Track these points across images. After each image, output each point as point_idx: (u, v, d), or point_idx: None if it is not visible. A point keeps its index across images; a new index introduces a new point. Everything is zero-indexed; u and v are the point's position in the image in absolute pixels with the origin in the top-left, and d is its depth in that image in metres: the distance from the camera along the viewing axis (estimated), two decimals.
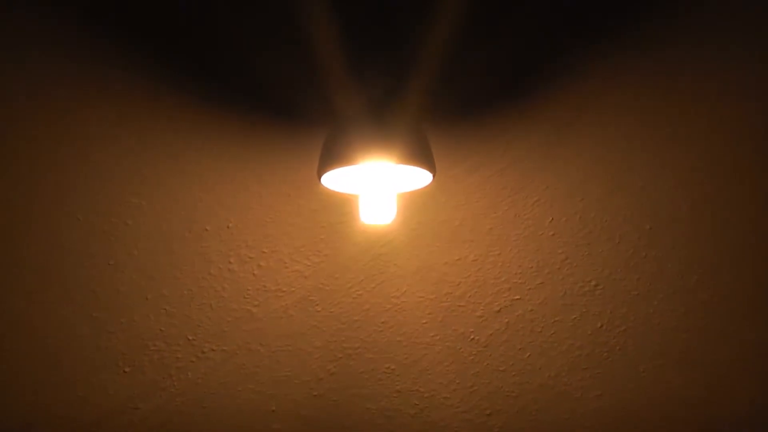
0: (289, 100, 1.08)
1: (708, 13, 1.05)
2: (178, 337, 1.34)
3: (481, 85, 1.11)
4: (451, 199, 1.28)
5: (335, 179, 1.08)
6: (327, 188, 1.08)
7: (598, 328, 1.36)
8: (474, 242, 1.32)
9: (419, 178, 1.09)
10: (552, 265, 1.34)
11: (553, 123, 1.17)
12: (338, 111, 1.05)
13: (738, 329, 1.37)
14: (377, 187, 1.09)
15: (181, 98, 1.10)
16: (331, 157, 1.03)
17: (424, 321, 1.41)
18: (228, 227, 1.27)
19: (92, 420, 1.36)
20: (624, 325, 1.33)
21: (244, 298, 1.35)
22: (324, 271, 1.35)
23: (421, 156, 1.03)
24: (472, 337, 1.40)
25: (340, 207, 1.27)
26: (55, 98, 1.07)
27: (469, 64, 1.07)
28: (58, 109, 1.08)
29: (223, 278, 1.33)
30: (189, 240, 1.27)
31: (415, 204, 1.29)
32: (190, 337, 1.34)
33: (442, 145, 1.18)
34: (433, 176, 1.06)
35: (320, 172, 1.05)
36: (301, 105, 1.09)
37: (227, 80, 1.06)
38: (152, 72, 1.05)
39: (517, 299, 1.37)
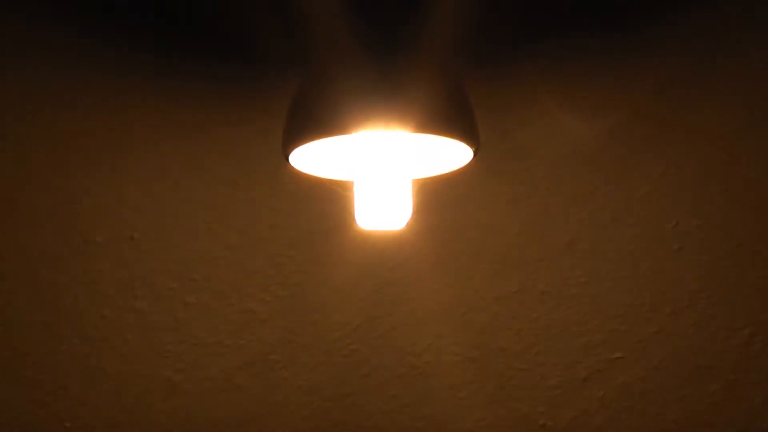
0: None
1: None
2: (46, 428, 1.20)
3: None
4: (502, 191, 1.12)
5: (314, 159, 0.95)
6: (300, 173, 0.95)
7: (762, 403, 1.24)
8: (542, 263, 1.16)
9: (450, 157, 0.96)
10: (677, 300, 1.15)
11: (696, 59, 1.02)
12: (318, 49, 0.90)
13: None
14: (382, 171, 0.94)
15: None
16: (306, 124, 0.88)
17: (462, 395, 1.22)
18: (132, 238, 1.10)
19: None
20: None
21: (159, 357, 1.17)
22: (294, 312, 1.19)
23: (454, 121, 0.88)
24: (542, 422, 1.25)
25: (323, 204, 1.11)
26: None
27: None
28: None
29: (123, 324, 1.18)
30: (66, 259, 1.12)
31: (443, 199, 1.13)
32: (67, 426, 1.18)
33: (490, 107, 1.03)
34: (475, 153, 0.90)
35: (288, 146, 0.89)
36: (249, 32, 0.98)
37: None
38: None
39: (619, 359, 1.20)
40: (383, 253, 1.19)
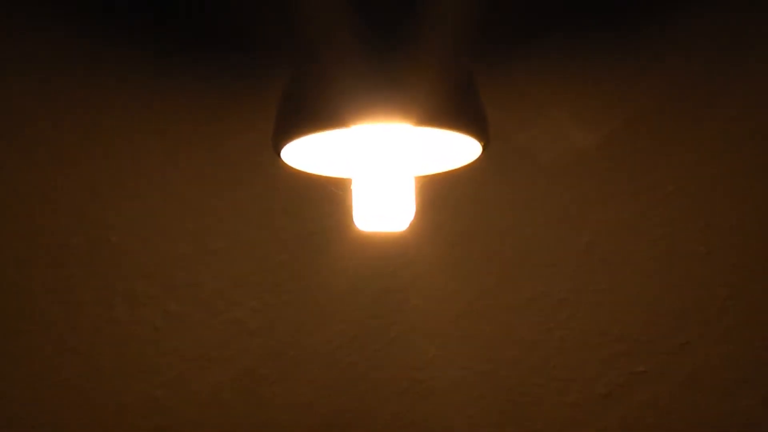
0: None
1: None
2: None
3: None
4: (513, 189, 1.08)
5: (308, 155, 0.92)
6: (293, 170, 0.91)
7: None
8: (559, 268, 1.12)
9: (457, 152, 0.92)
10: (706, 309, 1.11)
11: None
12: (311, 35, 0.85)
13: None
14: (382, 168, 0.89)
15: None
16: (299, 116, 0.84)
17: (471, 413, 1.18)
18: (108, 241, 1.05)
19: None
20: None
21: (138, 371, 1.13)
22: (286, 322, 1.15)
23: (462, 112, 0.84)
24: None
25: (318, 204, 1.07)
26: None
27: None
28: None
29: (98, 335, 1.13)
30: (35, 263, 1.07)
31: (449, 198, 1.09)
32: None
33: (502, 98, 1.00)
34: (484, 148, 0.86)
35: (279, 141, 0.84)
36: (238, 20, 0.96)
37: None
38: None
39: (642, 373, 1.15)
40: (384, 257, 1.14)
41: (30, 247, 1.11)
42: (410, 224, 0.92)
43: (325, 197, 1.07)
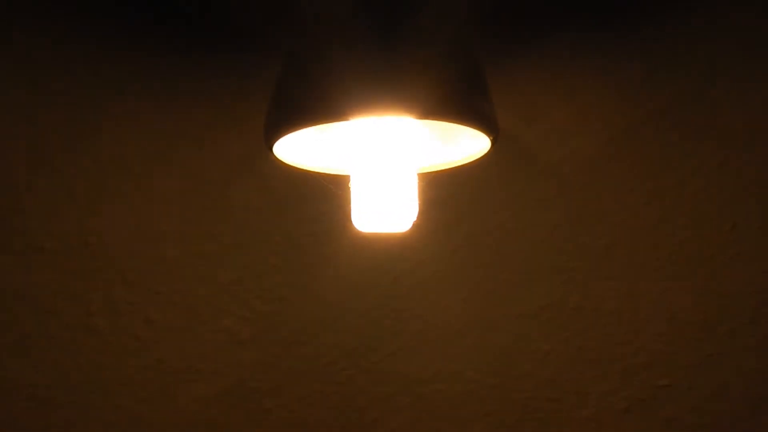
0: None
1: None
2: None
3: None
4: (526, 188, 1.04)
5: (302, 151, 0.89)
6: (287, 166, 0.88)
7: None
8: (575, 273, 1.07)
9: (464, 147, 0.89)
10: (735, 317, 1.06)
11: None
12: (306, 21, 0.83)
13: None
14: (383, 164, 0.86)
15: None
16: (293, 108, 0.80)
17: (479, 430, 1.15)
18: (86, 244, 1.02)
19: None
20: None
21: (119, 384, 1.09)
22: (278, 332, 1.12)
23: (469, 104, 0.80)
24: None
25: (313, 203, 1.04)
26: None
27: None
28: None
29: (75, 346, 1.09)
30: (6, 268, 1.02)
31: (455, 197, 1.05)
32: None
33: (514, 89, 0.97)
34: (493, 142, 0.82)
35: (271, 135, 0.81)
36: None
37: None
38: None
39: (665, 386, 1.11)
40: (385, 261, 1.11)
41: (1, 250, 1.06)
42: (413, 225, 0.87)
43: (321, 196, 1.02)
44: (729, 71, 1.01)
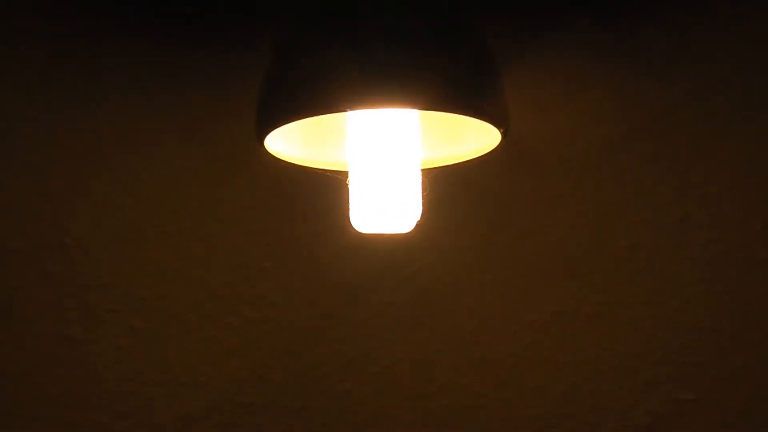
0: None
1: None
2: None
3: None
4: (539, 185, 0.99)
5: (296, 144, 0.87)
6: (279, 160, 0.86)
7: None
8: (591, 277, 1.01)
9: (472, 141, 0.86)
10: (766, 326, 1.01)
11: None
12: (301, 4, 0.81)
13: None
14: (384, 159, 0.84)
15: None
16: (286, 98, 0.78)
17: None
18: (62, 246, 0.97)
19: None
20: None
21: (97, 398, 1.02)
22: (270, 342, 1.05)
23: (477, 94, 0.78)
24: None
25: (308, 201, 1.00)
26: None
27: None
28: None
29: (50, 356, 1.01)
30: None
31: (462, 195, 1.01)
32: None
33: (529, 80, 0.95)
34: (504, 136, 0.79)
35: (263, 127, 0.79)
36: None
37: None
38: None
39: (690, 401, 1.04)
40: (385, 265, 1.06)
41: None
42: (416, 225, 0.85)
43: (317, 194, 1.00)
44: (758, 69, 0.97)
